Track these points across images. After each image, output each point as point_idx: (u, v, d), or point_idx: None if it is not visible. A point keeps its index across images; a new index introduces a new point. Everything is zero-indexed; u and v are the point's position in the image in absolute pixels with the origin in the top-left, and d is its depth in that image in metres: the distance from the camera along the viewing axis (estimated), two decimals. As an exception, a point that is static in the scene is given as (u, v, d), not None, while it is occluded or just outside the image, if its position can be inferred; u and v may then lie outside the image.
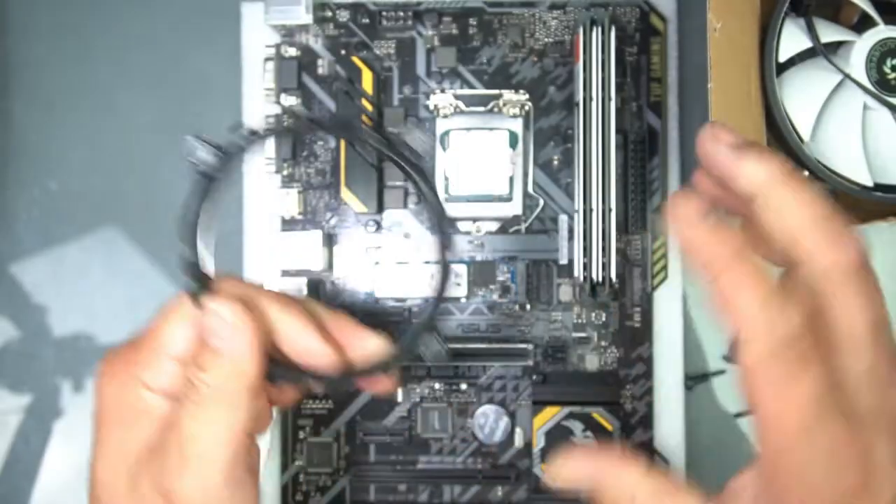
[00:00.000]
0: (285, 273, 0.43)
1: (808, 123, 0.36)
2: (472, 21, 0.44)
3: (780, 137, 0.36)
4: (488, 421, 0.43)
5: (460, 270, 0.43)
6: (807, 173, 0.38)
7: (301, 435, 0.44)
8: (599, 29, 0.40)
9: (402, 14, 0.44)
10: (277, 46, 0.44)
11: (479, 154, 0.43)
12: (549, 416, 0.42)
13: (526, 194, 0.43)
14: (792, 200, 0.24)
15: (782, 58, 0.36)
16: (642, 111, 0.43)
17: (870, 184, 0.36)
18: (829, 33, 0.37)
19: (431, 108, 0.43)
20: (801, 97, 0.36)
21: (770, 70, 0.36)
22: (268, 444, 0.45)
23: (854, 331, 0.24)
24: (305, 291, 0.42)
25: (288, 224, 0.44)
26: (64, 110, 0.49)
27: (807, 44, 0.36)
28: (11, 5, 0.49)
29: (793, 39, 0.36)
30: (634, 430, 0.43)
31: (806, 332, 0.23)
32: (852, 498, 0.23)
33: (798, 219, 0.24)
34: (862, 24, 0.38)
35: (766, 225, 0.24)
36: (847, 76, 0.36)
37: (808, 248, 0.24)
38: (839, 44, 0.38)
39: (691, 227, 0.24)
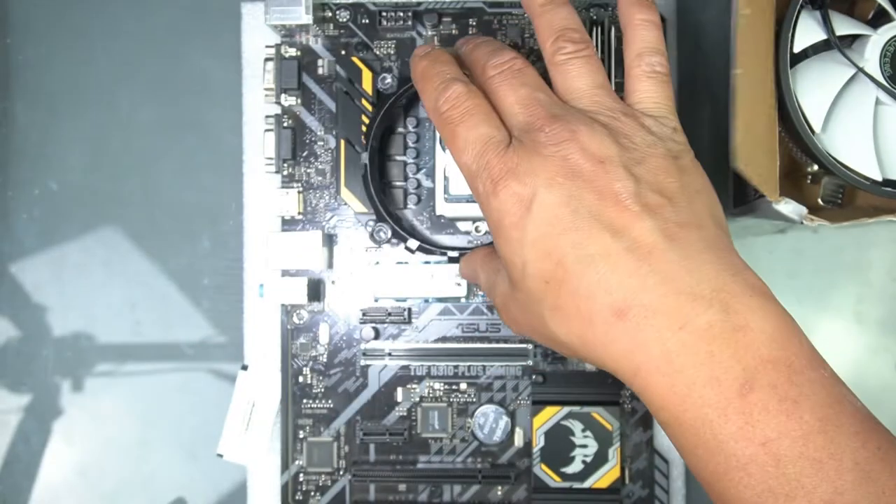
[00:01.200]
0: (285, 273, 0.43)
1: (819, 115, 0.36)
2: (472, 21, 0.44)
3: (791, 128, 0.36)
4: (488, 420, 0.43)
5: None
6: (816, 167, 0.38)
7: (301, 434, 0.44)
8: (599, 29, 0.40)
9: (401, 14, 0.44)
10: (277, 46, 0.44)
11: (478, 154, 0.43)
12: (549, 415, 0.42)
13: (526, 194, 0.43)
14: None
15: (797, 49, 0.36)
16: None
17: (879, 178, 0.36)
18: (844, 26, 0.37)
19: (431, 108, 0.43)
20: (814, 89, 0.36)
21: (784, 61, 0.36)
22: (268, 438, 0.45)
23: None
24: (305, 291, 0.42)
25: (288, 224, 0.44)
26: (64, 110, 0.49)
27: (821, 36, 0.36)
28: (11, 5, 0.49)
29: (808, 31, 0.36)
30: (634, 430, 0.43)
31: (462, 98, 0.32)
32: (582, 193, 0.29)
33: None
34: (878, 18, 0.38)
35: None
36: (860, 70, 0.36)
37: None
38: (854, 37, 0.38)
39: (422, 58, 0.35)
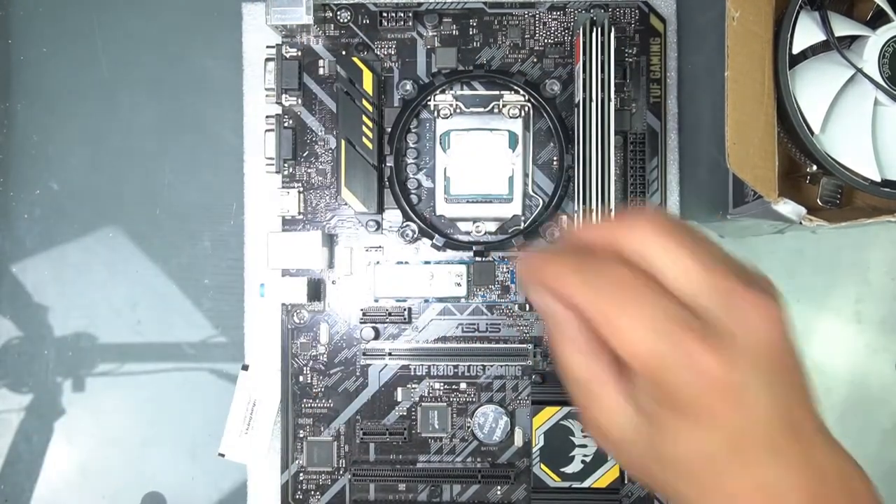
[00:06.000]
0: (285, 273, 0.43)
1: (818, 116, 0.36)
2: (473, 22, 0.44)
3: (790, 129, 0.36)
4: (488, 420, 0.43)
5: (460, 271, 0.43)
6: (815, 167, 0.38)
7: (301, 434, 0.44)
8: (599, 30, 0.40)
9: (402, 15, 0.44)
10: (278, 47, 0.44)
11: (479, 155, 0.43)
12: (549, 415, 0.42)
13: (526, 194, 0.43)
14: None
15: (796, 50, 0.36)
16: (642, 112, 0.44)
17: (878, 179, 0.36)
18: (843, 27, 0.37)
19: (432, 108, 0.43)
20: (813, 90, 0.36)
21: (783, 62, 0.36)
22: (269, 438, 0.45)
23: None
24: (305, 290, 0.43)
25: (288, 224, 0.44)
26: (65, 111, 0.49)
27: (820, 37, 0.36)
28: (12, 5, 0.49)
29: (807, 32, 0.36)
30: (633, 430, 0.43)
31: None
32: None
33: None
34: (876, 19, 0.38)
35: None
36: (859, 71, 0.36)
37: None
38: (853, 38, 0.38)
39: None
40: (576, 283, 0.26)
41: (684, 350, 0.24)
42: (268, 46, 0.44)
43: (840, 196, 0.39)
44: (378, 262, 0.44)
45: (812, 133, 0.36)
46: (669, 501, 0.27)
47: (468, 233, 0.44)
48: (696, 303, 0.25)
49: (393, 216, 0.44)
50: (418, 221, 0.43)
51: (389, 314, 0.43)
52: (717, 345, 0.24)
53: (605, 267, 0.25)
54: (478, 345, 0.43)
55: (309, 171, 0.44)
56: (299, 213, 0.44)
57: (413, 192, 0.44)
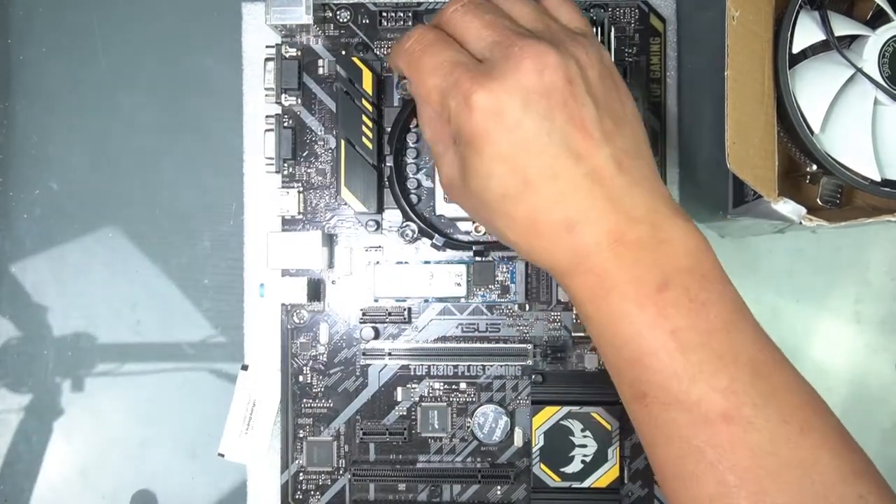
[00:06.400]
0: (285, 273, 0.43)
1: (818, 116, 0.36)
2: (472, 22, 0.44)
3: (790, 128, 0.36)
4: (487, 420, 0.43)
5: (460, 271, 0.43)
6: (814, 167, 0.38)
7: (301, 434, 0.44)
8: (599, 30, 0.40)
9: (402, 15, 0.44)
10: (278, 46, 0.44)
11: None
12: (549, 415, 0.42)
13: (525, 194, 0.43)
14: None
15: (796, 49, 0.36)
16: (642, 112, 0.43)
17: (878, 178, 0.36)
18: (842, 27, 0.37)
19: (431, 108, 0.43)
20: (813, 89, 0.36)
21: (783, 61, 0.36)
22: (269, 439, 0.45)
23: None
24: (305, 290, 0.42)
25: (288, 224, 0.44)
26: (65, 110, 0.49)
27: (820, 36, 0.36)
28: (12, 5, 0.49)
29: (806, 32, 0.36)
30: (633, 430, 0.43)
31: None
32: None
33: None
34: (876, 18, 0.38)
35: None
36: (859, 70, 0.36)
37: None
38: (852, 38, 0.38)
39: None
40: (397, 50, 0.34)
41: (458, 85, 0.30)
42: (267, 46, 0.44)
43: (840, 196, 0.39)
44: (378, 262, 0.44)
45: (812, 133, 0.36)
46: (495, 236, 0.34)
47: (468, 232, 0.44)
48: (482, 55, 0.32)
49: (393, 216, 0.44)
50: (418, 221, 0.43)
51: (389, 314, 0.43)
52: (487, 82, 0.30)
53: (413, 33, 0.33)
54: (478, 345, 0.43)
55: (309, 170, 0.44)
56: (299, 213, 0.44)
57: (413, 191, 0.44)
